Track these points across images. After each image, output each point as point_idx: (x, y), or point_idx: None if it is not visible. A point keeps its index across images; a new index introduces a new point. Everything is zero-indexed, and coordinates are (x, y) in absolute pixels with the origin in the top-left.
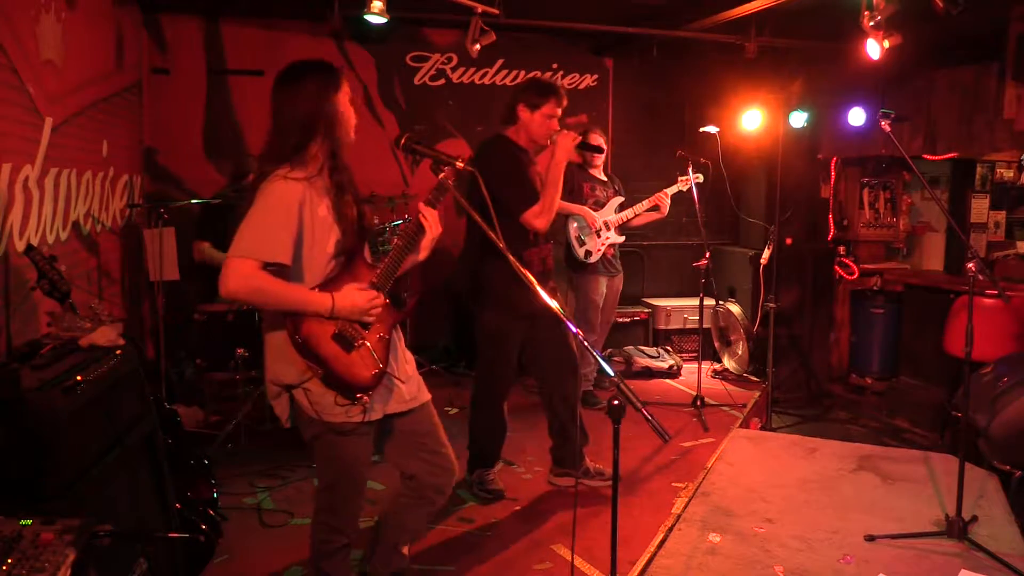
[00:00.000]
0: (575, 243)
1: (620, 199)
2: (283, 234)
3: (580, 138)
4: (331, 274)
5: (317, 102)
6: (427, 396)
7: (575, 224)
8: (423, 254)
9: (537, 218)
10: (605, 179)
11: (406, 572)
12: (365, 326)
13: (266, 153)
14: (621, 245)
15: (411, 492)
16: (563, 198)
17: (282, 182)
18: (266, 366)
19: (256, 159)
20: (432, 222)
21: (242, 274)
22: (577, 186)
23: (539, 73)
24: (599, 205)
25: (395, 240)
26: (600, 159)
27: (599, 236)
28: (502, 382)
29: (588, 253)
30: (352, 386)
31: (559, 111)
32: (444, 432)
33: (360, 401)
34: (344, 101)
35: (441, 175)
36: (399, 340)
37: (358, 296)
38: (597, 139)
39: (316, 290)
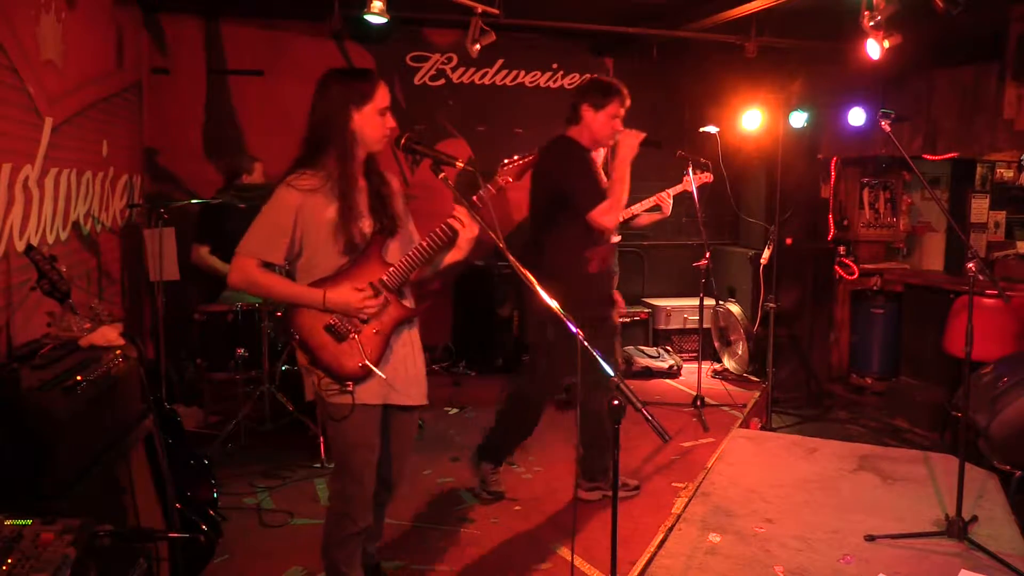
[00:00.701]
0: None
1: None
2: (276, 238)
3: (644, 135)
4: (343, 268)
5: (335, 113)
6: (424, 401)
7: None
8: (461, 253)
9: (604, 216)
10: (604, 180)
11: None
12: (363, 320)
13: (298, 154)
14: (620, 245)
15: None
16: None
17: (284, 189)
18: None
19: (249, 158)
20: (467, 222)
21: (241, 269)
22: None
23: (539, 73)
24: None
25: (423, 241)
26: (600, 158)
27: None
28: (551, 386)
29: None
30: (338, 374)
31: (623, 111)
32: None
33: (345, 388)
34: (368, 114)
35: (441, 175)
36: (409, 338)
37: (350, 295)
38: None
39: (317, 284)
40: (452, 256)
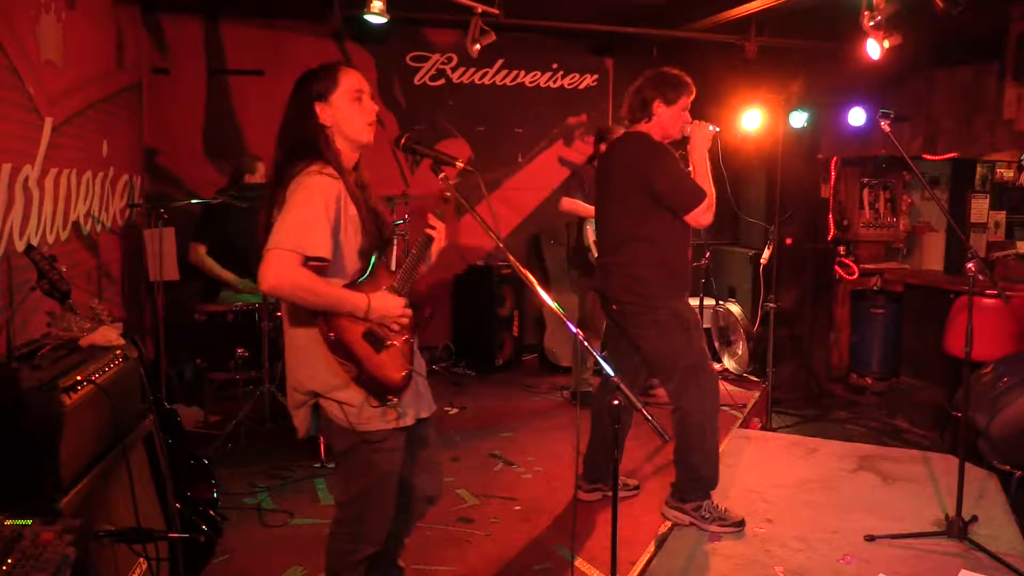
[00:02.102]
0: (594, 246)
1: None
2: (324, 228)
3: (717, 128)
4: (356, 275)
5: (304, 113)
6: (434, 407)
7: (591, 227)
8: (430, 262)
9: (704, 215)
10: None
11: None
12: (404, 328)
13: (289, 155)
14: None
15: (400, 504)
16: (583, 198)
17: (319, 177)
18: (288, 371)
19: (252, 157)
20: (439, 234)
21: (285, 268)
22: (592, 188)
23: (539, 73)
24: None
25: (412, 249)
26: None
27: None
28: (703, 360)
29: None
30: (384, 387)
31: (690, 103)
32: None
33: (391, 404)
34: (338, 104)
35: (441, 175)
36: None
37: (391, 301)
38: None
39: (351, 290)
40: (424, 267)
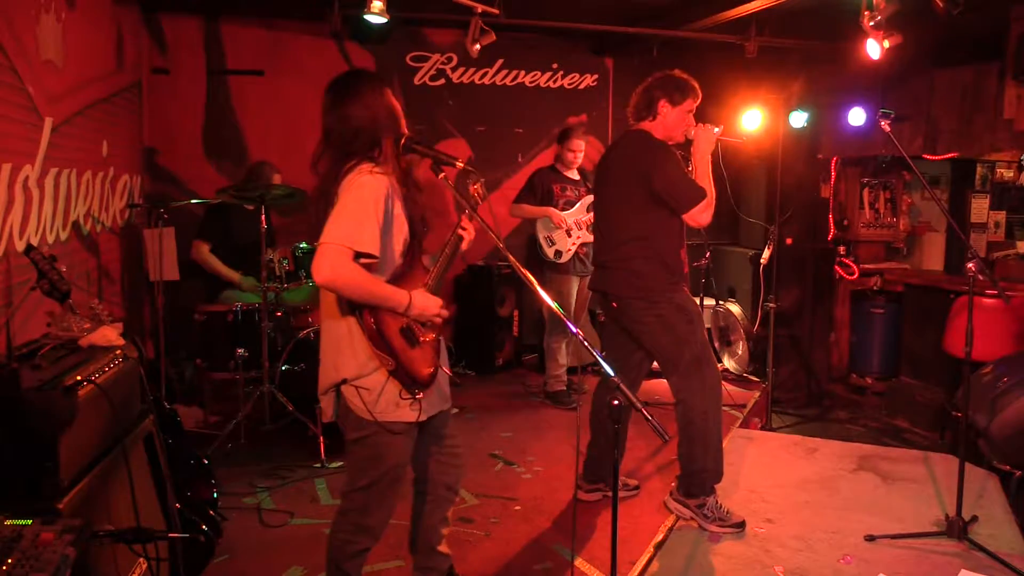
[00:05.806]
0: (544, 243)
1: (591, 197)
2: (374, 227)
3: (720, 129)
4: (397, 272)
5: (381, 103)
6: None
7: (542, 225)
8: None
9: (703, 214)
10: (577, 178)
11: (451, 566)
12: (424, 325)
13: (337, 156)
14: None
15: (423, 496)
16: (534, 201)
17: (371, 176)
18: (323, 357)
19: (271, 167)
20: (470, 235)
21: (340, 262)
22: (547, 188)
23: (539, 73)
24: (570, 205)
25: (445, 249)
26: (576, 159)
27: (569, 236)
28: (703, 352)
29: (559, 253)
30: (415, 381)
31: (695, 107)
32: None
33: (416, 398)
34: (396, 98)
35: (441, 175)
36: (442, 344)
37: (430, 300)
38: (579, 144)
39: (393, 287)
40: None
